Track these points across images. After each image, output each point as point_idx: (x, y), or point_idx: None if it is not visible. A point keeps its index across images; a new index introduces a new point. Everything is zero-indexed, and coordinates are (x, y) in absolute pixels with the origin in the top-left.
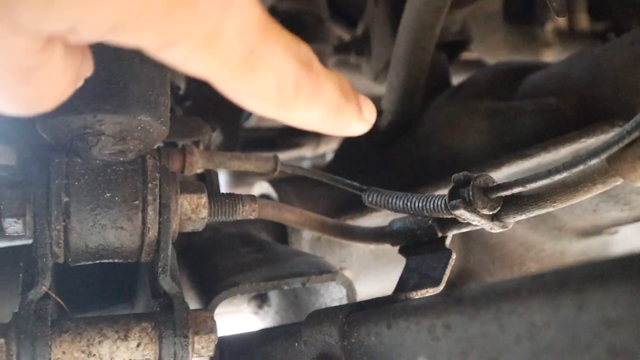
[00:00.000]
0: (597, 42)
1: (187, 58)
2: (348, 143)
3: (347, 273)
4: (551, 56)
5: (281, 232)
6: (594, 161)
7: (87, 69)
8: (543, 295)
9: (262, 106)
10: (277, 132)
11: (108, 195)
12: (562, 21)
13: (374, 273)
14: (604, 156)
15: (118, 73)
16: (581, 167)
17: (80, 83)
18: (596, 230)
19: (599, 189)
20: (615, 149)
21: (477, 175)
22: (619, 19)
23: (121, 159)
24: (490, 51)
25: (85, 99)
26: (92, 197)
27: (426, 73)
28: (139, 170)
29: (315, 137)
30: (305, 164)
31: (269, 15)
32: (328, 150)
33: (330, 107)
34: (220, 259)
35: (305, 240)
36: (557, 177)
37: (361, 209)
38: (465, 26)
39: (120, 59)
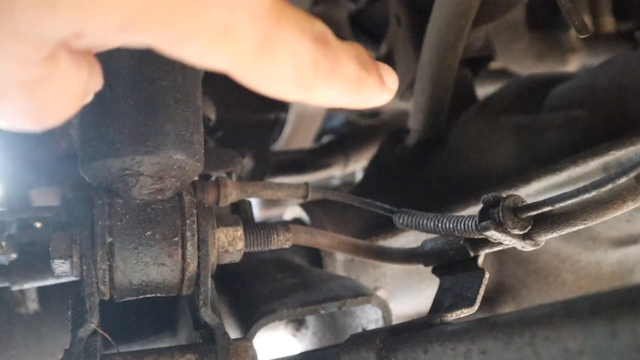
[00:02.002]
0: (624, 43)
1: (203, 52)
2: (377, 162)
3: (382, 293)
4: (577, 61)
5: (315, 255)
6: (623, 180)
7: (96, 82)
8: (576, 321)
9: (282, 90)
10: (306, 154)
11: (149, 233)
12: (587, 24)
13: (408, 291)
14: (632, 174)
15: (153, 115)
16: (610, 186)
17: (89, 98)
18: (632, 239)
19: (630, 206)
20: None
21: (507, 195)
22: None
23: (159, 197)
24: (515, 60)
25: (124, 142)
26: (134, 236)
27: (451, 91)
28: (177, 208)
29: (344, 156)
30: (335, 182)
31: None
32: (357, 168)
33: (351, 82)
34: (257, 286)
35: (339, 262)
36: (585, 196)
37: (393, 229)
38: (489, 40)
39: (155, 101)
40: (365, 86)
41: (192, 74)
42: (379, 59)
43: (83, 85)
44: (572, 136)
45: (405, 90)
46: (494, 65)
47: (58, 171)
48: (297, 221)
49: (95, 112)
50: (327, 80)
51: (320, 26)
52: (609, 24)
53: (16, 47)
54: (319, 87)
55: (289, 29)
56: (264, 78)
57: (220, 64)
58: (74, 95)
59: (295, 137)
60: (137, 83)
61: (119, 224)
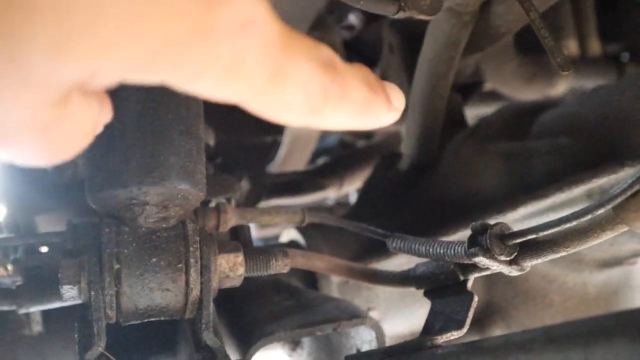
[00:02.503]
0: (610, 65)
1: (213, 87)
2: (371, 185)
3: (375, 314)
4: (565, 84)
5: (311, 276)
6: (602, 211)
7: (106, 115)
8: (554, 347)
9: (293, 117)
10: (301, 176)
11: (154, 260)
12: (574, 48)
13: (401, 312)
14: (610, 206)
15: (159, 147)
16: (589, 216)
17: (99, 130)
18: (616, 261)
19: (608, 235)
20: (619, 200)
21: (494, 223)
22: (631, 40)
23: (164, 225)
24: (505, 83)
25: (131, 172)
26: (140, 262)
27: (442, 117)
28: (181, 235)
29: (339, 178)
30: (330, 202)
31: (286, 25)
32: (351, 190)
33: (360, 104)
34: (255, 308)
35: (334, 284)
36: (567, 226)
37: (386, 251)
38: (479, 67)
39: (160, 134)
40: (374, 107)
41: (195, 107)
42: None
43: (94, 120)
44: (558, 163)
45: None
46: (485, 87)
47: (63, 198)
48: (293, 243)
49: (104, 143)
50: (337, 104)
51: (327, 52)
52: (595, 47)
53: (29, 93)
54: (329, 112)
55: (298, 58)
56: (274, 107)
57: (231, 97)
58: (85, 131)
59: (290, 158)
60: (144, 117)
61: (125, 251)
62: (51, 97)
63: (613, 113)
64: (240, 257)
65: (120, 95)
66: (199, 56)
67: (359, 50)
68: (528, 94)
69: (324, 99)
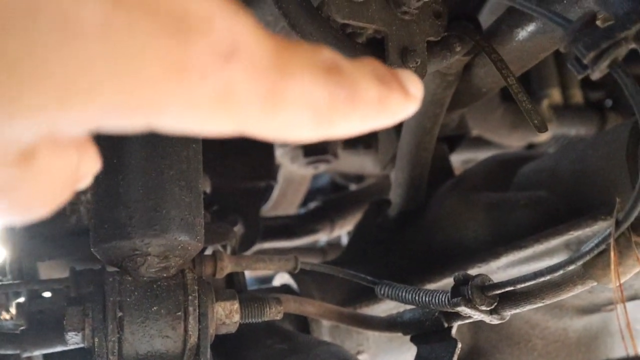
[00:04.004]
0: (593, 112)
1: (205, 123)
2: (361, 231)
3: (365, 356)
4: (548, 131)
5: (302, 320)
6: (572, 267)
7: (91, 165)
8: None
9: (302, 134)
10: (294, 220)
11: (155, 308)
12: (557, 97)
13: (389, 355)
14: (579, 263)
15: (161, 201)
16: (561, 272)
17: (85, 183)
18: (595, 308)
19: (579, 289)
20: (587, 258)
21: (475, 275)
22: (613, 87)
23: (164, 274)
24: (490, 129)
25: (135, 225)
26: (141, 311)
27: (429, 168)
28: (180, 284)
29: (330, 222)
30: (321, 242)
31: (276, 36)
32: (342, 233)
33: (374, 104)
34: (249, 351)
35: (325, 328)
36: (542, 279)
37: (375, 297)
38: (463, 119)
39: (162, 189)
40: (390, 102)
41: (195, 162)
42: (363, 135)
43: (70, 172)
44: (536, 215)
45: (387, 164)
46: (471, 134)
47: (66, 245)
48: (285, 287)
49: (109, 198)
50: (349, 109)
51: (327, 53)
52: (577, 96)
53: None
54: (341, 120)
55: (295, 71)
56: (279, 128)
57: (227, 130)
58: (59, 185)
59: (283, 200)
60: (147, 173)
61: (128, 299)
62: (6, 158)
63: (589, 169)
64: (236, 305)
65: (124, 153)
66: (180, 95)
67: None
68: (512, 140)
69: (332, 108)
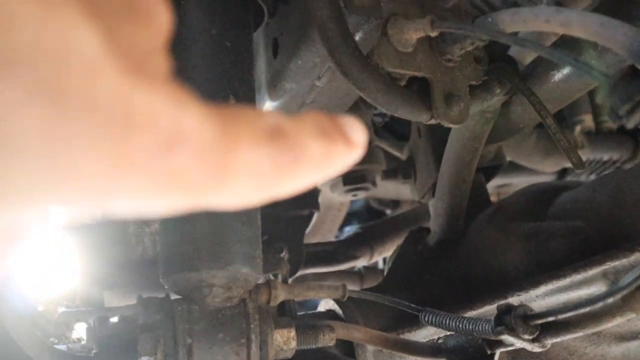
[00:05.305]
0: (625, 137)
1: (156, 206)
2: (401, 259)
3: None
4: (582, 158)
5: (348, 345)
6: (611, 300)
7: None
8: None
9: (249, 200)
10: (335, 246)
11: (220, 335)
12: (589, 123)
13: None
14: (618, 296)
15: (225, 236)
16: (601, 303)
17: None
18: (633, 335)
19: (618, 320)
20: (626, 292)
21: (518, 305)
22: None
23: (228, 304)
24: (524, 157)
25: (202, 259)
26: (208, 337)
27: (467, 199)
28: (242, 313)
29: (370, 249)
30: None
31: (217, 109)
32: (381, 259)
33: (318, 159)
34: None
35: (370, 352)
36: (582, 310)
37: (417, 323)
38: (500, 152)
39: (226, 225)
40: (334, 156)
41: None
42: (401, 164)
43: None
44: (573, 245)
45: (425, 194)
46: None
47: (132, 274)
48: (331, 312)
49: (177, 234)
50: (293, 170)
51: (270, 118)
52: (609, 122)
53: None
54: (287, 181)
55: (240, 144)
56: (227, 199)
57: (180, 207)
58: None
59: (321, 227)
60: (212, 210)
61: (196, 327)
62: None
63: (626, 200)
64: (292, 332)
65: None
66: (127, 187)
67: (392, 127)
68: (546, 166)
69: (277, 173)
